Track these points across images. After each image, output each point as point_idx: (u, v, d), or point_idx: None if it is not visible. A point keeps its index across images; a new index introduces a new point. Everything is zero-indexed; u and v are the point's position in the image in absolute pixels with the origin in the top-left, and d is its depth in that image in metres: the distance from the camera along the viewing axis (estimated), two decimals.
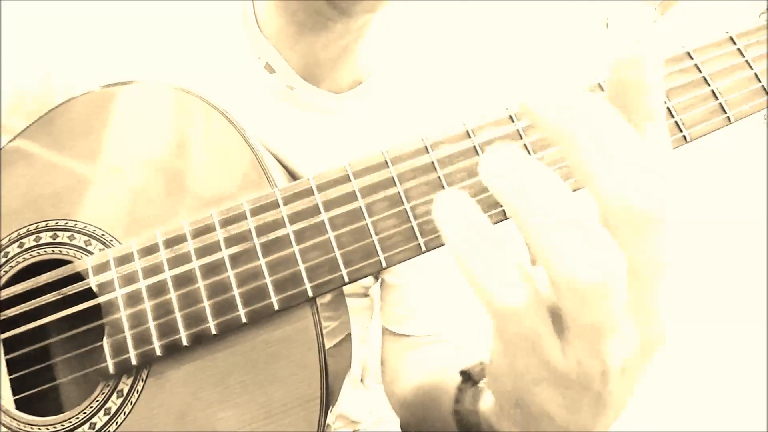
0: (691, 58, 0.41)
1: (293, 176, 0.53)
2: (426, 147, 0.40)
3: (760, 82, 0.40)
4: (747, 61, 0.40)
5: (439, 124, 0.59)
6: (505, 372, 0.26)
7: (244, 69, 0.54)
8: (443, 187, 0.40)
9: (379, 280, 0.63)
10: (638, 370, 0.25)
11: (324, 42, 0.53)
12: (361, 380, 0.58)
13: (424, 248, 0.39)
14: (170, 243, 0.40)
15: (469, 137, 0.40)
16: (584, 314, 0.21)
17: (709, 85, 0.41)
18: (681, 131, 0.40)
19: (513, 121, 0.40)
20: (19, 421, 0.39)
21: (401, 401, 0.56)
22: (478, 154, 0.40)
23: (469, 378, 0.39)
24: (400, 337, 0.61)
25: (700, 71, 0.41)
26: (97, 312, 0.40)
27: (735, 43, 0.41)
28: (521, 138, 0.40)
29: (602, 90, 0.39)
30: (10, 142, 0.45)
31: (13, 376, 0.41)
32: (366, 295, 0.60)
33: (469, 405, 0.38)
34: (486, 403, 0.36)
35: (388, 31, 0.59)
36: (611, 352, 0.23)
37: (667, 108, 0.41)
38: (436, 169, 0.40)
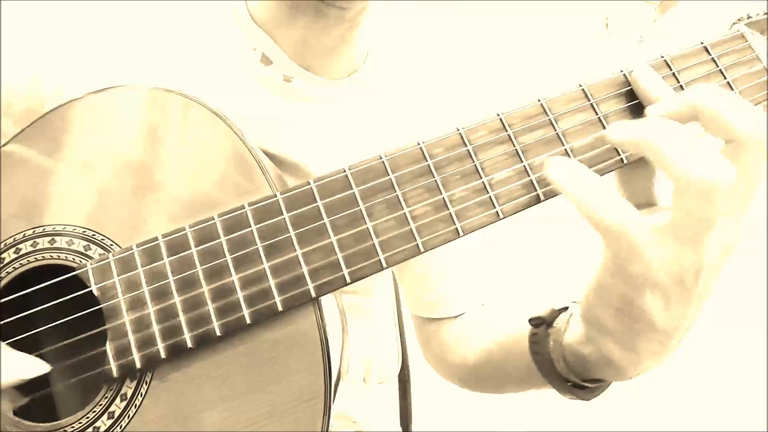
0: (670, 68, 0.44)
1: (288, 168, 0.53)
2: (422, 151, 0.42)
3: (734, 89, 0.43)
4: (721, 70, 0.43)
5: (433, 111, 0.62)
6: (612, 284, 0.34)
7: (239, 64, 0.54)
8: (439, 190, 0.41)
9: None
10: (719, 272, 0.33)
11: (319, 29, 0.54)
12: (363, 380, 0.59)
13: (422, 249, 0.40)
14: (172, 246, 0.40)
15: (463, 142, 0.42)
16: (700, 209, 0.29)
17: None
18: None
19: (505, 128, 0.42)
20: (20, 428, 0.39)
21: (461, 369, 0.60)
22: (472, 160, 0.42)
23: (541, 323, 0.44)
24: (435, 320, 0.64)
25: (678, 81, 0.44)
26: (97, 317, 0.40)
27: (710, 53, 0.44)
28: (513, 144, 0.42)
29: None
30: (4, 145, 0.44)
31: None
32: (369, 296, 0.61)
33: (547, 345, 0.43)
34: (572, 335, 0.41)
35: (384, 16, 0.60)
36: (711, 246, 0.31)
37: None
38: (432, 173, 0.41)
